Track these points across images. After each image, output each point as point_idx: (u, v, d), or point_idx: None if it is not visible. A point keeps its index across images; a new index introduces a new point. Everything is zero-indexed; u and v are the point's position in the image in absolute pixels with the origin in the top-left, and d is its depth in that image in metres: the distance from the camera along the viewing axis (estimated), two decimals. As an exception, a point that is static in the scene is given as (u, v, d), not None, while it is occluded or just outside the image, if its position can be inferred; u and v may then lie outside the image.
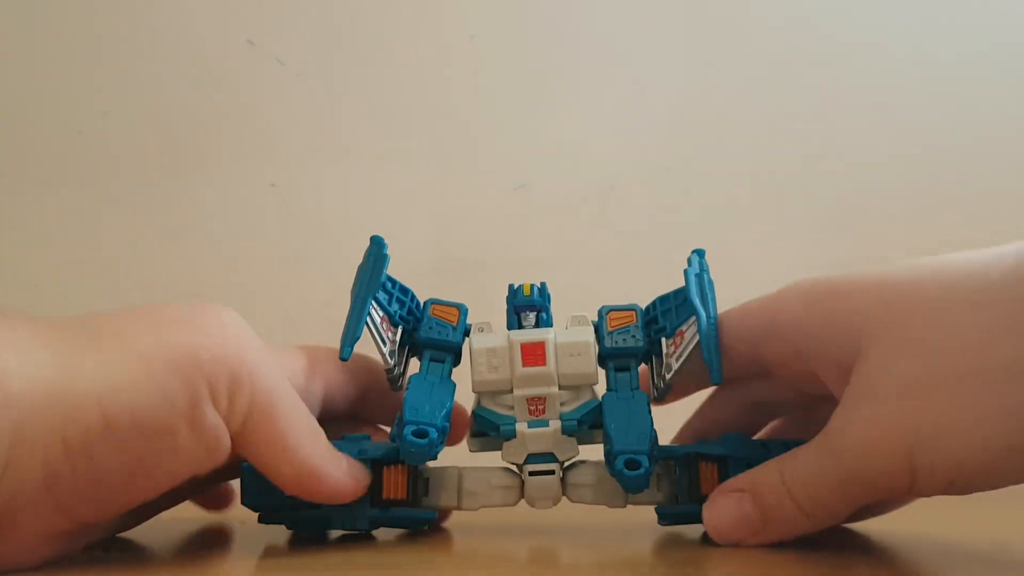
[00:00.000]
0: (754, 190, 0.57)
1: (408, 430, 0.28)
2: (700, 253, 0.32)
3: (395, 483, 0.29)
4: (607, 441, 0.29)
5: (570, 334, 0.31)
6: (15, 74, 0.54)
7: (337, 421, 0.31)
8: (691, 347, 0.29)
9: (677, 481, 0.30)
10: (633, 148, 0.56)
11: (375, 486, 0.29)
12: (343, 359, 0.28)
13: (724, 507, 0.28)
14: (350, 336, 0.29)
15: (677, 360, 0.30)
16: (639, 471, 0.28)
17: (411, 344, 0.31)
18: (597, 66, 0.56)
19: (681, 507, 0.30)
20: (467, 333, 0.31)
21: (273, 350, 0.28)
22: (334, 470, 0.27)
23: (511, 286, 0.32)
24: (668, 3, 0.57)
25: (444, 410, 0.29)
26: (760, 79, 0.57)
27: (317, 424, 0.27)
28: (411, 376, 0.30)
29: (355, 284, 0.30)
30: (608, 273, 0.52)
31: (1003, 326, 0.23)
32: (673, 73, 0.57)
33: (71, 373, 0.22)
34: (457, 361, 0.31)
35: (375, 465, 0.29)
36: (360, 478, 0.28)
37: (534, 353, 0.30)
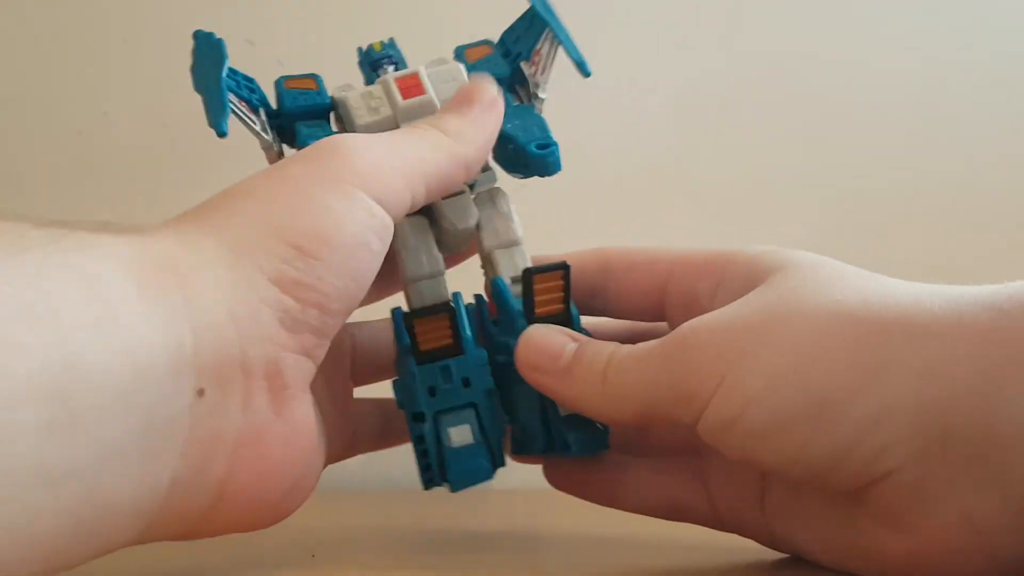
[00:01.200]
0: (755, 191, 0.57)
1: None
2: None
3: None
4: (511, 140, 0.30)
5: (437, 66, 0.31)
6: (15, 74, 0.54)
7: None
8: (552, 55, 0.31)
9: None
10: (633, 148, 0.56)
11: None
12: (222, 134, 0.28)
13: (550, 335, 0.28)
14: (217, 110, 0.28)
15: (543, 72, 0.31)
16: (551, 149, 0.29)
17: (278, 128, 0.31)
18: (597, 66, 0.56)
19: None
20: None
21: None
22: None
23: (359, 48, 0.32)
24: (668, 3, 0.57)
25: None
26: (761, 79, 0.57)
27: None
28: (299, 139, 0.30)
29: (197, 75, 0.30)
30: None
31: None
32: (673, 73, 0.57)
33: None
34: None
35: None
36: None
37: (411, 85, 0.30)
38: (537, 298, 0.29)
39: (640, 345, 0.26)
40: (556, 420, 0.29)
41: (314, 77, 0.31)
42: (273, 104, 0.31)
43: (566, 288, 0.29)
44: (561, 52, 0.31)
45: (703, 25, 0.57)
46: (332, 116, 0.31)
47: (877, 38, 0.58)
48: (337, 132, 0.30)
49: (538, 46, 0.31)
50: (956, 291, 0.23)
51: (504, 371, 0.29)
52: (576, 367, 0.27)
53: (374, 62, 0.32)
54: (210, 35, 0.29)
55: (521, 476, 0.51)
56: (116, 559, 0.21)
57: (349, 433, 0.31)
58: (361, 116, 0.29)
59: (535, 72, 0.31)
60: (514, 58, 0.32)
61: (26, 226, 0.20)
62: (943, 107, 0.57)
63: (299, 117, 0.30)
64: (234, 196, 0.25)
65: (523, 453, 0.31)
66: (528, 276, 0.29)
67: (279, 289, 0.22)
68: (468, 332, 0.29)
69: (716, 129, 0.57)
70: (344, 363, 0.32)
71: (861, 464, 0.22)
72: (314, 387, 0.24)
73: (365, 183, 0.24)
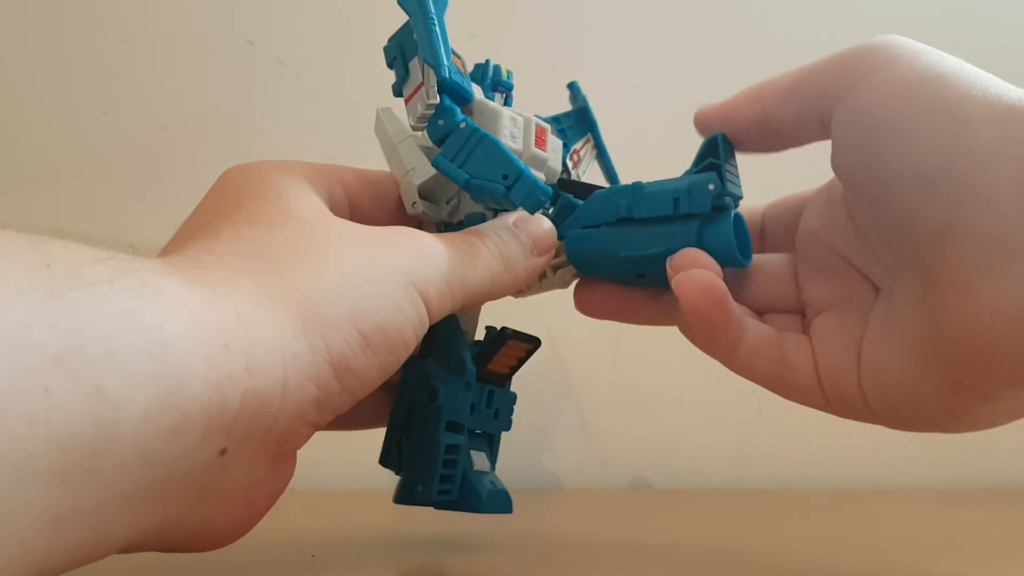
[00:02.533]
0: (755, 190, 0.56)
1: (540, 183, 0.28)
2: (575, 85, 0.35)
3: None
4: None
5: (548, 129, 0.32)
6: (15, 74, 0.54)
7: None
8: (588, 160, 0.33)
9: None
10: (634, 149, 0.56)
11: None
12: (443, 78, 0.28)
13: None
14: (440, 47, 0.27)
15: (576, 167, 0.33)
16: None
17: None
18: (598, 67, 0.56)
19: None
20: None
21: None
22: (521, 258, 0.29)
23: (488, 62, 0.32)
24: (669, 4, 0.57)
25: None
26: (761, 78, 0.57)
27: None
28: (481, 131, 0.28)
29: (418, 24, 0.28)
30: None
31: None
32: (674, 74, 0.57)
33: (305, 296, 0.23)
34: None
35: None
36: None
37: (541, 138, 0.31)
38: (496, 357, 0.30)
39: None
40: (471, 474, 0.29)
41: (462, 60, 0.30)
42: None
43: (523, 360, 0.31)
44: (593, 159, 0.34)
45: (704, 26, 0.57)
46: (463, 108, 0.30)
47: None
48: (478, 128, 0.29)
49: (579, 146, 0.33)
50: None
51: (421, 413, 0.29)
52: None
53: (497, 84, 0.32)
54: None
55: (521, 476, 0.51)
56: (115, 558, 0.21)
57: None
58: (504, 137, 0.29)
59: (572, 165, 0.34)
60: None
61: (84, 254, 0.20)
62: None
63: (449, 91, 0.29)
64: (312, 257, 0.24)
65: (407, 501, 0.30)
66: (503, 338, 0.30)
67: (332, 371, 0.23)
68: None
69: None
70: None
71: (958, 193, 0.22)
72: None
73: (426, 290, 0.25)
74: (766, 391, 0.28)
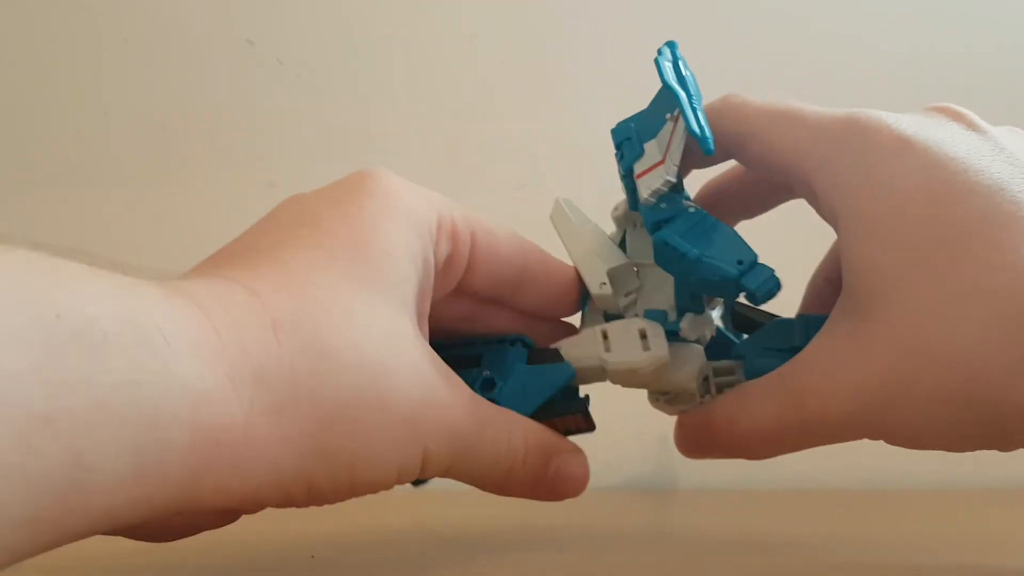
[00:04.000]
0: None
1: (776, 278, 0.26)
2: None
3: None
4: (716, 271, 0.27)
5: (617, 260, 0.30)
6: (15, 74, 0.54)
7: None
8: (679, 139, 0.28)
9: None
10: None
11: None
12: (709, 152, 0.26)
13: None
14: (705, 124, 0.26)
15: (673, 163, 0.28)
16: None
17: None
18: (598, 66, 0.56)
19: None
20: None
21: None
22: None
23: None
24: (670, 3, 0.57)
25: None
26: (762, 79, 0.57)
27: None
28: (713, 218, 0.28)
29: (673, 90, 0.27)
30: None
31: None
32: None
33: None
34: None
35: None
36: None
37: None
38: (559, 420, 0.29)
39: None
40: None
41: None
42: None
43: (569, 432, 0.29)
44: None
45: (704, 26, 0.57)
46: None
47: (879, 36, 0.57)
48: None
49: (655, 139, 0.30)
50: None
51: None
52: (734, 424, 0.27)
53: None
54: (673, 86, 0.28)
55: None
56: (113, 559, 0.21)
57: None
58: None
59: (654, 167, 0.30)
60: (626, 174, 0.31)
61: (97, 305, 0.19)
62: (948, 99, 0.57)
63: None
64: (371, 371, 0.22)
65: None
66: (577, 405, 0.29)
67: (305, 492, 0.22)
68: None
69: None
70: None
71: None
72: None
73: (429, 445, 0.23)
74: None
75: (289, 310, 0.21)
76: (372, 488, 0.23)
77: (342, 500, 0.23)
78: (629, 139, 0.29)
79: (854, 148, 0.25)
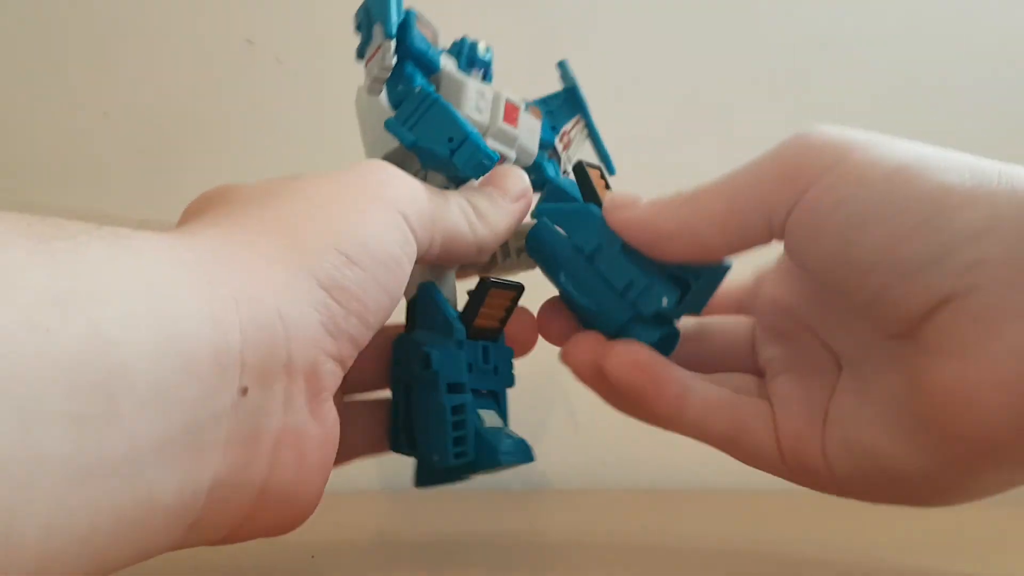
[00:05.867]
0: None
1: (483, 146, 0.28)
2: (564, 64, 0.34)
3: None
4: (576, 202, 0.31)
5: (524, 110, 0.32)
6: (15, 74, 0.54)
7: None
8: (579, 141, 0.32)
9: None
10: (635, 148, 0.56)
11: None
12: (390, 35, 0.28)
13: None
14: (393, 12, 0.28)
15: (566, 150, 0.33)
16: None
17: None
18: (598, 65, 0.56)
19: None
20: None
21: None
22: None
23: (464, 39, 0.32)
24: (669, 3, 0.57)
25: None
26: (762, 79, 0.57)
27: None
28: (434, 95, 0.29)
29: None
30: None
31: None
32: (675, 72, 0.57)
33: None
34: None
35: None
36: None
37: (511, 114, 0.30)
38: (482, 310, 0.29)
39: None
40: (484, 431, 0.29)
41: (432, 30, 0.31)
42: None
43: (510, 309, 0.30)
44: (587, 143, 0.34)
45: (705, 25, 0.57)
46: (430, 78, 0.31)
47: (880, 36, 0.57)
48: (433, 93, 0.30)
49: (568, 129, 0.33)
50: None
51: (420, 384, 0.29)
52: (658, 199, 0.28)
53: (473, 60, 0.32)
54: None
55: (521, 476, 0.51)
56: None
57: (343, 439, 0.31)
58: (468, 108, 0.30)
59: (562, 148, 0.33)
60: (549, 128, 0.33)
61: (60, 219, 0.20)
62: (947, 103, 0.57)
63: (414, 57, 0.30)
64: (286, 195, 0.25)
65: (428, 481, 0.30)
66: (484, 288, 0.29)
67: (327, 294, 0.23)
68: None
69: (718, 128, 0.57)
70: None
71: (950, 273, 0.22)
72: None
73: (405, 210, 0.25)
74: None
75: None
76: (384, 265, 0.24)
77: (372, 291, 0.24)
78: (362, 23, 0.30)
79: None
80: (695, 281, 0.27)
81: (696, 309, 0.29)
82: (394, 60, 0.28)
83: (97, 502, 0.17)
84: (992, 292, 0.21)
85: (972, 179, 0.22)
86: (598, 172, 0.32)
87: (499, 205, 0.29)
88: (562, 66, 0.34)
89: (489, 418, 0.29)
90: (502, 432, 0.29)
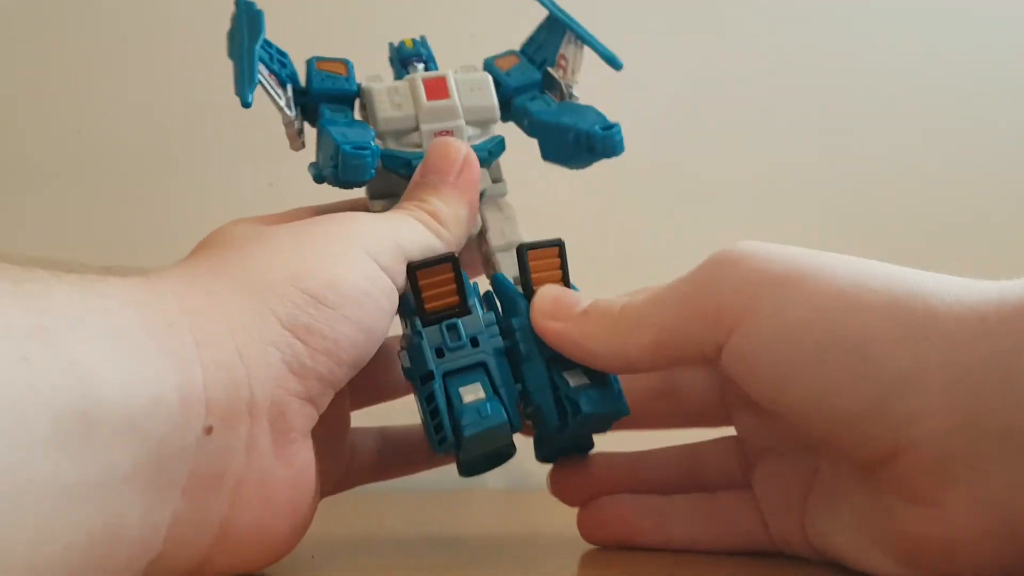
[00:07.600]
0: (758, 191, 0.56)
1: (346, 146, 0.27)
2: None
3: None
4: (569, 130, 0.30)
5: (466, 72, 0.31)
6: (15, 74, 0.54)
7: None
8: (579, 56, 0.31)
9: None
10: (635, 148, 0.56)
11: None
12: (246, 104, 0.28)
13: (567, 291, 0.29)
14: (246, 79, 0.28)
15: (573, 74, 0.32)
16: (615, 128, 0.30)
17: (303, 106, 0.31)
18: (598, 65, 0.56)
19: None
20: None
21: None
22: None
23: (391, 44, 0.32)
24: (671, 1, 0.57)
25: (372, 135, 0.29)
26: (763, 78, 0.57)
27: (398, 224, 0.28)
28: (320, 122, 0.30)
29: (233, 42, 0.30)
30: (611, 272, 0.52)
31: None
32: (675, 73, 0.57)
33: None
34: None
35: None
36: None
37: (436, 87, 0.30)
38: (534, 274, 0.29)
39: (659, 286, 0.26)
40: (567, 389, 0.28)
41: (345, 62, 0.32)
42: (302, 82, 0.31)
43: (563, 264, 0.30)
44: (587, 51, 0.32)
45: (705, 24, 0.57)
46: (356, 104, 0.32)
47: (880, 36, 0.57)
48: (359, 120, 0.31)
49: (562, 50, 0.32)
50: (959, 281, 0.22)
51: (511, 354, 0.29)
52: (592, 310, 0.27)
53: (404, 58, 0.32)
54: (251, 4, 0.29)
55: (521, 476, 0.51)
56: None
57: (344, 465, 0.32)
58: (384, 110, 0.30)
59: (564, 75, 0.32)
60: (539, 65, 0.33)
61: (29, 266, 0.20)
62: (948, 104, 0.57)
63: (325, 99, 0.30)
64: (247, 241, 0.25)
65: (545, 449, 0.31)
66: (522, 252, 0.29)
67: (290, 334, 0.23)
68: (474, 293, 0.29)
69: (719, 127, 0.57)
70: (342, 393, 0.30)
71: (888, 427, 0.21)
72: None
73: (370, 248, 0.25)
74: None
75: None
76: (357, 303, 0.24)
77: (345, 330, 0.24)
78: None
79: None
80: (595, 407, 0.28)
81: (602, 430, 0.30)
82: (291, 112, 0.29)
83: (76, 524, 0.18)
84: (935, 445, 0.21)
85: (893, 318, 0.21)
86: (557, 250, 0.30)
87: (445, 194, 0.29)
88: None
89: (472, 393, 0.28)
90: (479, 404, 0.27)
